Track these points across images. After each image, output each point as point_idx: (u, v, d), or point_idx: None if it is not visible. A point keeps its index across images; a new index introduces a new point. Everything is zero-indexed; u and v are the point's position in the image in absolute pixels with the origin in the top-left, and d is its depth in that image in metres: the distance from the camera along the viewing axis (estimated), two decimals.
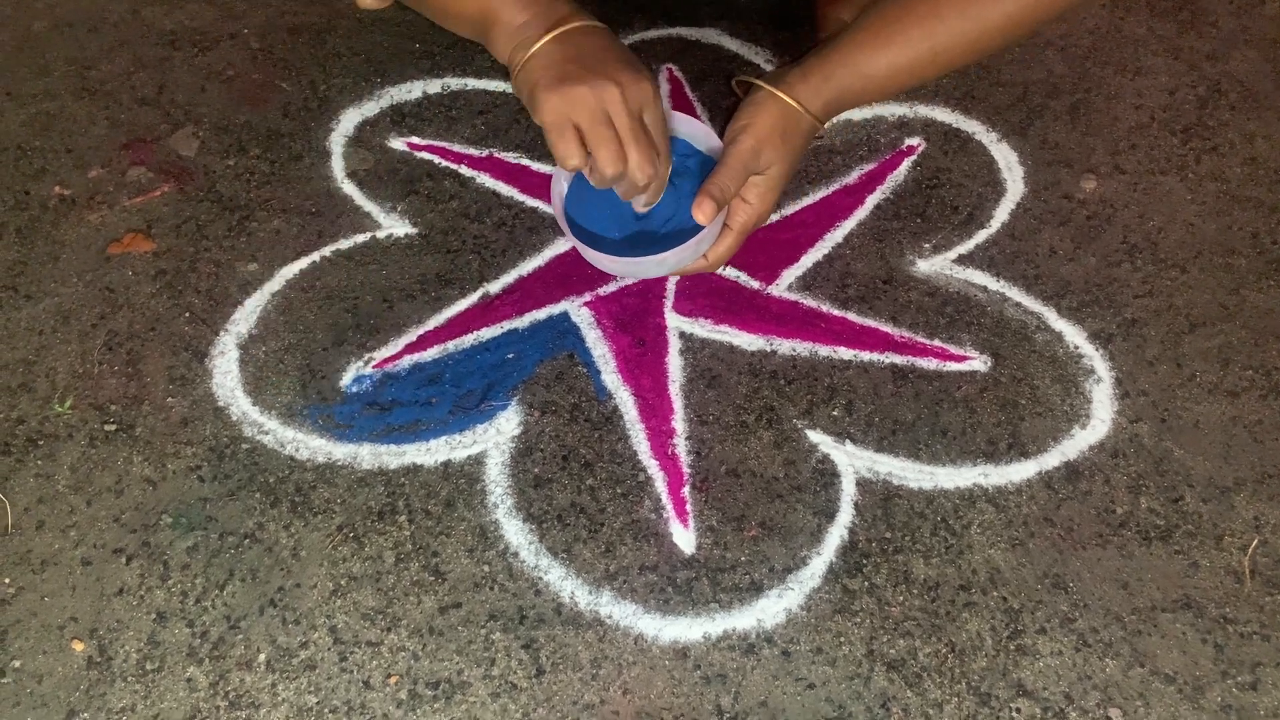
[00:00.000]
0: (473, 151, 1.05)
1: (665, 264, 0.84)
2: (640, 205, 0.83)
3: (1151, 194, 1.02)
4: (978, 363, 0.89)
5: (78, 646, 0.74)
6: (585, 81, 0.75)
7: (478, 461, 0.84)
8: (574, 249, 0.96)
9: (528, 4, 0.79)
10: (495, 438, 0.85)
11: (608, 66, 0.76)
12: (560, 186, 0.88)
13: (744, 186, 0.84)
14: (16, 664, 0.73)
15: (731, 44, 1.15)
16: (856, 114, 1.09)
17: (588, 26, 0.79)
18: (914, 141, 1.06)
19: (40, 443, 0.84)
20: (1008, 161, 1.05)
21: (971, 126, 1.08)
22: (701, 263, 0.87)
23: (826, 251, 0.98)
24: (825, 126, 0.86)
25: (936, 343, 0.91)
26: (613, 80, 0.75)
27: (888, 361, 0.89)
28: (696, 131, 0.88)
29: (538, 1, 0.79)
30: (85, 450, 0.84)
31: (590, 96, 0.75)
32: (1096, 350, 0.90)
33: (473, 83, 1.12)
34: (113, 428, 0.85)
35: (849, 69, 0.84)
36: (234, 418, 0.86)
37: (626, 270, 0.89)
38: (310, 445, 0.84)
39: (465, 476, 0.83)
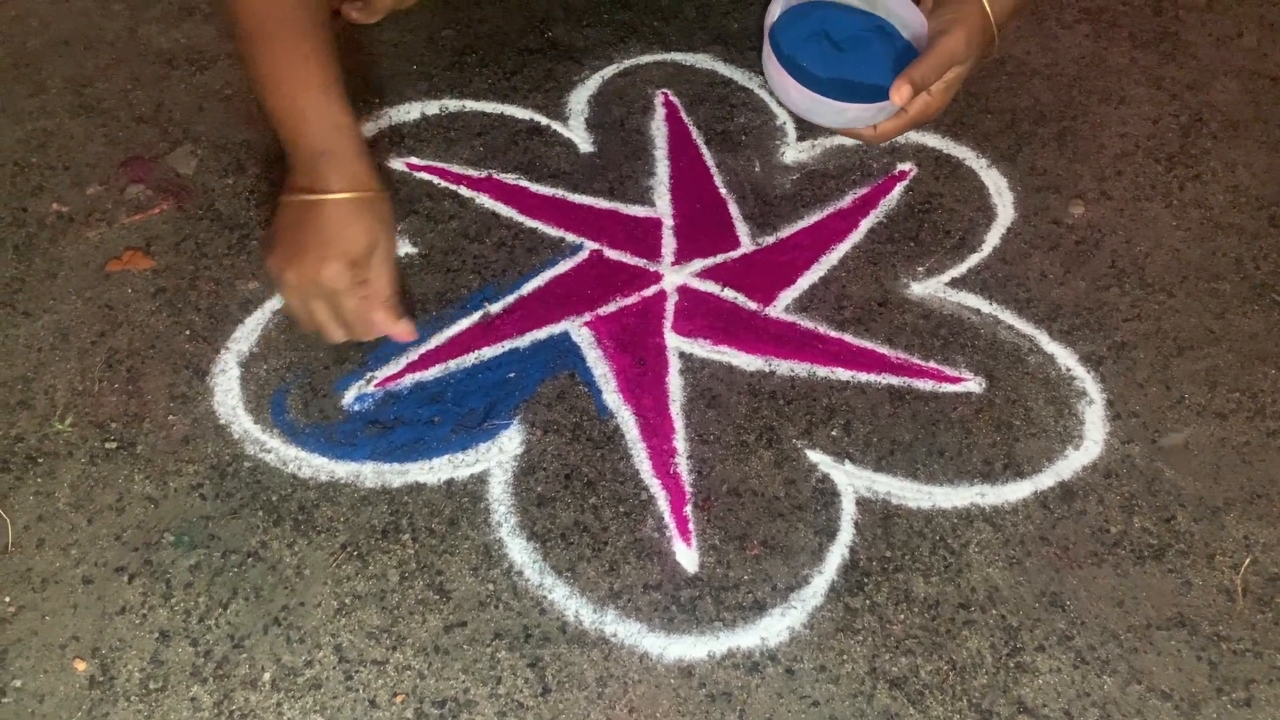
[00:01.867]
0: (471, 172, 1.06)
1: (844, 115, 0.93)
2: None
3: (1138, 220, 1.04)
4: (972, 384, 0.91)
5: (79, 666, 0.74)
6: (306, 265, 0.82)
7: (481, 480, 0.84)
8: (577, 266, 0.98)
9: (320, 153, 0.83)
10: (498, 456, 0.85)
11: (306, 248, 0.82)
12: (775, 10, 0.98)
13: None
14: (17, 684, 0.73)
15: (724, 69, 1.17)
16: (848, 139, 1.11)
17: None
18: (906, 167, 1.08)
19: (40, 460, 0.84)
20: (998, 187, 1.07)
21: (962, 152, 1.10)
22: (870, 131, 0.94)
23: (822, 274, 0.99)
24: (996, 47, 0.94)
25: (932, 364, 0.92)
26: (326, 268, 0.81)
27: (884, 382, 0.91)
28: (898, 7, 0.97)
29: (315, 156, 0.83)
30: (86, 468, 0.84)
31: (306, 280, 0.82)
32: (1088, 372, 0.92)
33: (471, 104, 1.13)
34: (113, 445, 0.85)
35: None
36: (236, 436, 0.86)
37: (807, 106, 0.95)
38: (313, 463, 0.85)
39: (468, 495, 0.83)
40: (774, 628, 0.77)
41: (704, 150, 1.09)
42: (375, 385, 0.89)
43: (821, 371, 0.91)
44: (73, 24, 1.20)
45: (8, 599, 0.77)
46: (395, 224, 0.86)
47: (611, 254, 1.00)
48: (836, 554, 0.81)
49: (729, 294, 0.97)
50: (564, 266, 0.99)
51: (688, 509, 0.83)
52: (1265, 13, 1.26)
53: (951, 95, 0.92)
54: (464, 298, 0.96)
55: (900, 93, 0.86)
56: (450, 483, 0.84)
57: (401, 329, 0.86)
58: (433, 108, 1.12)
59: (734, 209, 1.04)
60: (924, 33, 0.96)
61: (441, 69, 1.16)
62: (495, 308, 0.95)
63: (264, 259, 0.85)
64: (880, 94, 0.92)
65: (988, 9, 0.89)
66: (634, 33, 1.20)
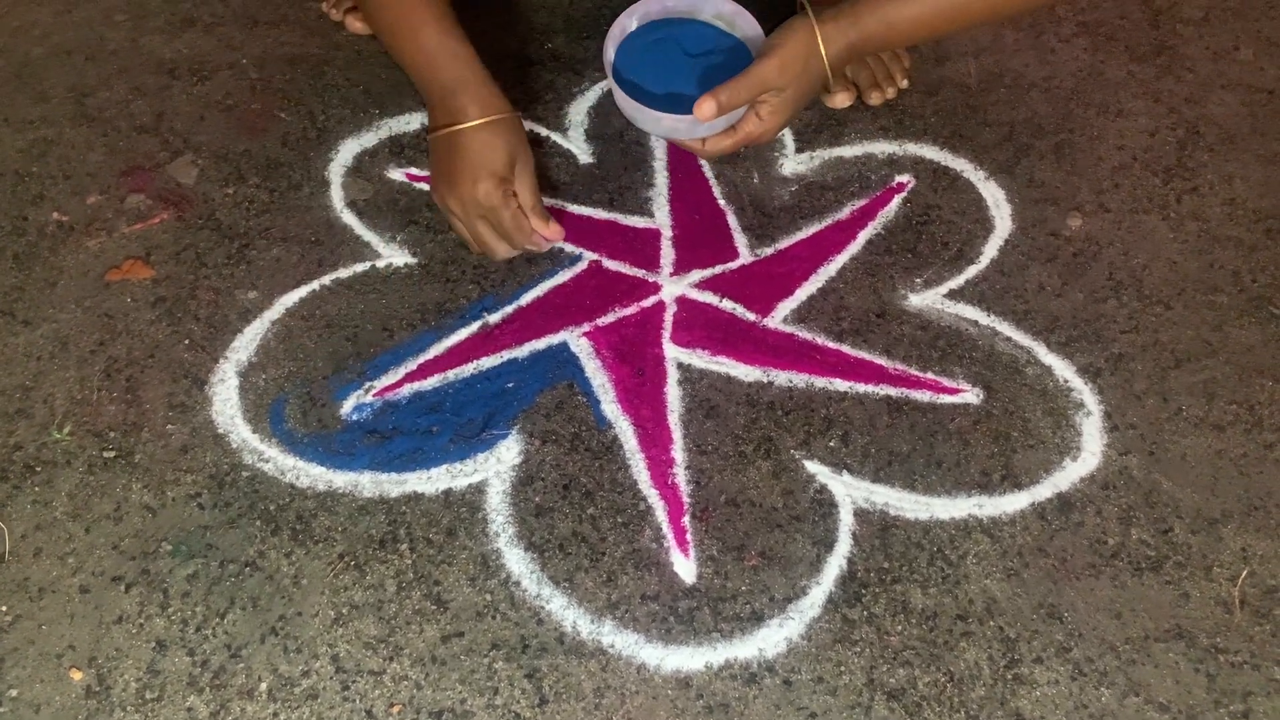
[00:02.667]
0: None
1: (661, 124, 0.92)
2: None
3: (1135, 232, 1.04)
4: (970, 395, 0.91)
5: (76, 675, 0.74)
6: (442, 188, 0.93)
7: (479, 490, 0.84)
8: (576, 277, 0.98)
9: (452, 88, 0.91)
10: (496, 466, 0.86)
11: (459, 170, 0.91)
12: (628, 22, 0.96)
13: (758, 102, 0.90)
14: (14, 693, 0.73)
15: None
16: (847, 151, 1.11)
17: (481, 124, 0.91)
18: (904, 179, 1.09)
19: (38, 469, 0.84)
20: (995, 199, 1.07)
21: (960, 164, 1.10)
22: (697, 145, 0.94)
23: (820, 285, 0.99)
24: (841, 99, 0.98)
25: (930, 375, 0.92)
26: (457, 187, 0.91)
27: (882, 393, 0.91)
28: (750, 30, 0.95)
29: (448, 91, 0.91)
30: (84, 477, 0.84)
31: (445, 203, 0.94)
32: (1085, 384, 0.92)
33: None
34: (112, 454, 0.85)
35: (875, 16, 0.90)
36: (234, 445, 0.86)
37: (630, 112, 0.94)
38: (311, 473, 0.85)
39: (466, 505, 0.83)
40: (772, 639, 0.77)
41: (703, 162, 1.09)
42: (374, 395, 0.89)
43: (819, 382, 0.91)
44: (75, 34, 1.20)
45: (4, 608, 0.76)
46: (527, 140, 0.94)
47: (610, 264, 1.00)
48: (834, 565, 0.81)
49: (727, 305, 0.97)
50: (563, 277, 0.99)
51: (686, 519, 0.83)
52: (1262, 27, 1.26)
53: (782, 118, 0.91)
54: (463, 308, 0.96)
55: (703, 110, 0.86)
56: (448, 493, 0.84)
57: (553, 230, 0.95)
58: None
59: (733, 220, 1.04)
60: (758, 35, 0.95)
61: None
62: (494, 318, 0.95)
63: (432, 195, 0.95)
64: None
65: (819, 38, 0.89)
66: None
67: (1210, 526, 0.83)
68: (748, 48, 0.95)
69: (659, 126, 0.93)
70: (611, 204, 1.05)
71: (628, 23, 0.96)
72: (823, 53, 0.89)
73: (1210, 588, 0.80)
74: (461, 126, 0.90)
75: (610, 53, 0.94)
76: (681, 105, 0.91)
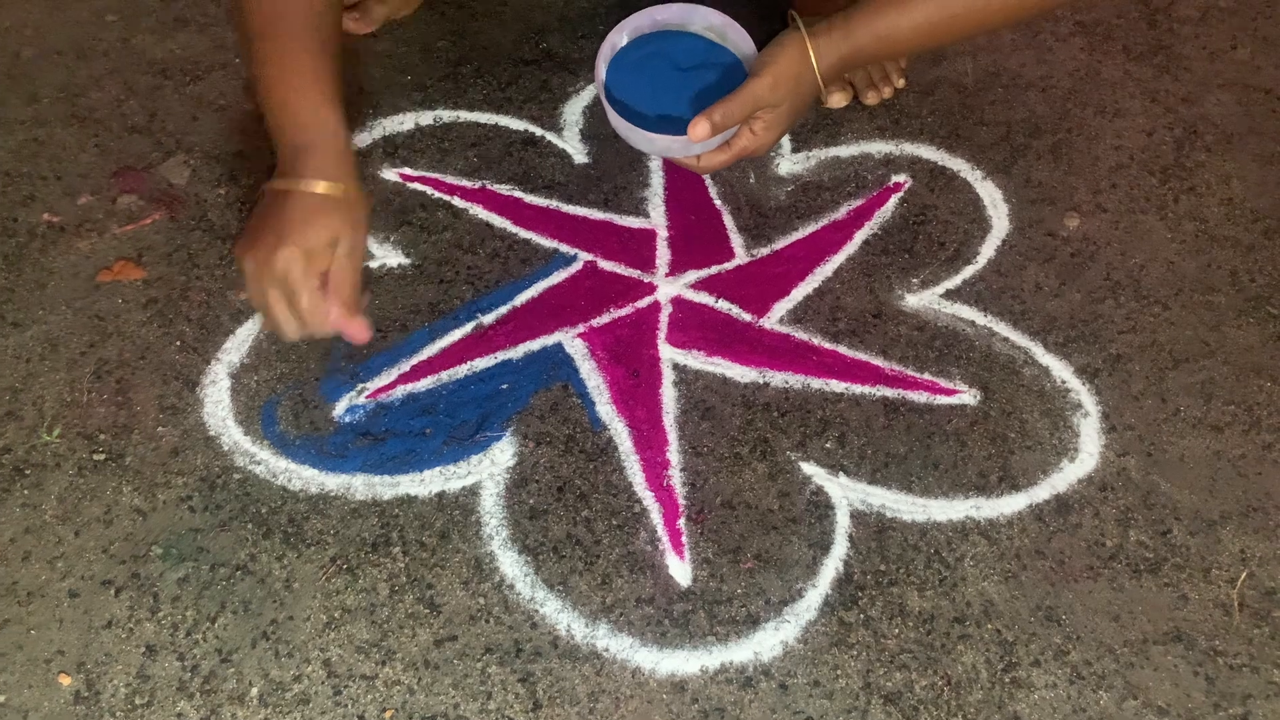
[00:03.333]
0: (465, 183, 1.06)
1: (654, 144, 0.90)
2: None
3: (1132, 232, 1.04)
4: (967, 396, 0.91)
5: (65, 680, 0.73)
6: (262, 250, 0.81)
7: (472, 493, 0.83)
8: (571, 277, 0.98)
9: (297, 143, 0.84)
10: (490, 469, 0.85)
11: (266, 234, 0.81)
12: (619, 38, 0.94)
13: (752, 118, 0.88)
14: (2, 698, 0.72)
15: None
16: (844, 151, 1.11)
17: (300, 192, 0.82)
18: (900, 179, 1.08)
19: (27, 472, 0.83)
20: (992, 199, 1.07)
21: (956, 164, 1.10)
22: (692, 162, 0.92)
23: (816, 285, 0.99)
24: (837, 99, 0.95)
25: (926, 376, 0.92)
26: (255, 250, 0.81)
27: (879, 394, 0.90)
28: (742, 42, 0.93)
29: (297, 151, 0.84)
30: (73, 480, 0.83)
31: (262, 266, 0.81)
32: (1083, 385, 0.92)
33: (465, 115, 1.12)
34: (102, 457, 0.84)
35: (867, 29, 0.89)
36: (225, 447, 0.85)
37: (623, 132, 0.92)
38: (303, 476, 0.84)
39: (460, 508, 0.83)
40: (767, 642, 0.76)
41: None
42: (367, 397, 0.89)
43: (816, 383, 0.91)
44: (66, 34, 1.19)
45: None
46: (367, 226, 0.85)
47: (606, 265, 0.99)
48: (830, 567, 0.80)
49: (723, 305, 0.97)
50: (558, 278, 0.98)
51: (681, 522, 0.82)
52: (1259, 26, 1.26)
53: (777, 133, 0.90)
54: (457, 308, 0.95)
55: (697, 130, 0.84)
56: (441, 495, 0.83)
57: (355, 327, 0.83)
58: (427, 118, 1.12)
59: (729, 220, 1.04)
60: (752, 52, 0.93)
61: (436, 80, 1.16)
62: (488, 319, 0.95)
63: (234, 251, 0.85)
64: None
65: (810, 53, 0.88)
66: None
67: (1209, 528, 0.83)
68: (739, 60, 0.94)
69: (653, 146, 0.92)
70: (607, 204, 1.05)
71: (618, 39, 0.94)
72: (815, 67, 0.88)
73: (1209, 590, 0.80)
74: (291, 186, 0.82)
75: (601, 71, 0.92)
76: (675, 123, 0.89)
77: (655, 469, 0.85)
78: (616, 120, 0.91)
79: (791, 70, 0.87)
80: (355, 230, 0.83)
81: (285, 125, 0.85)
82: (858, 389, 0.91)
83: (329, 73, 0.86)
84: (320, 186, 0.82)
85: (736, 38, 0.94)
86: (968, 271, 1.00)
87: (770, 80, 0.87)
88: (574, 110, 1.13)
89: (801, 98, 0.90)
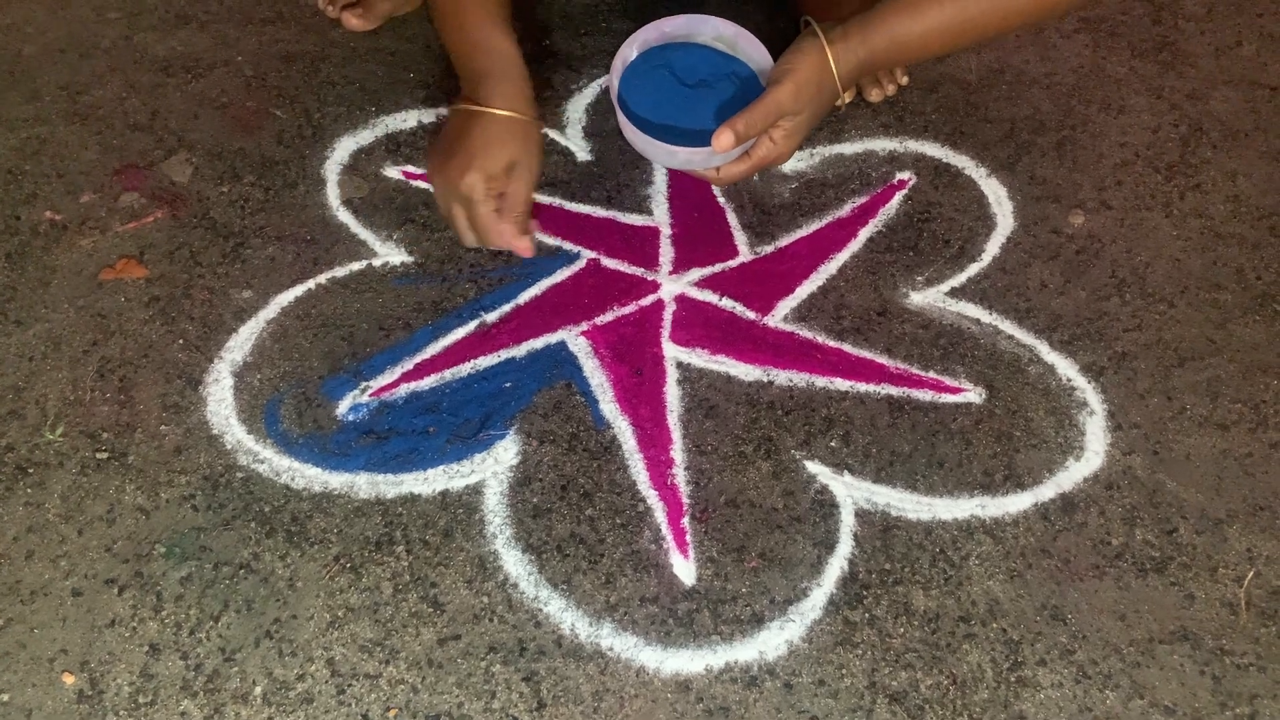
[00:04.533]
0: None
1: (675, 157, 0.89)
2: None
3: (1138, 229, 1.04)
4: (972, 394, 0.90)
5: (68, 679, 0.73)
6: (432, 167, 0.92)
7: (476, 491, 0.83)
8: (574, 275, 0.97)
9: (478, 70, 0.91)
10: (493, 467, 0.85)
11: (451, 158, 0.89)
12: (629, 52, 0.93)
13: (773, 126, 0.88)
14: (5, 697, 0.72)
15: None
16: (848, 148, 1.10)
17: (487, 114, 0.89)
18: (905, 176, 1.08)
19: (30, 470, 0.83)
20: (997, 196, 1.06)
21: (961, 161, 1.09)
22: (712, 174, 0.91)
23: (821, 283, 0.98)
24: (845, 97, 0.93)
25: (931, 374, 0.92)
26: (442, 172, 0.90)
27: (884, 393, 0.90)
28: (754, 51, 0.92)
29: (482, 76, 0.91)
30: (76, 478, 0.83)
31: (434, 183, 0.92)
32: (1088, 383, 0.91)
33: None
34: (104, 455, 0.84)
35: (883, 34, 0.89)
36: (228, 446, 0.85)
37: (641, 146, 0.91)
38: (306, 474, 0.84)
39: (463, 506, 0.82)
40: (772, 641, 0.76)
41: None
42: (370, 395, 0.88)
43: (820, 382, 0.91)
44: (68, 31, 1.19)
45: None
46: (541, 151, 0.92)
47: (609, 263, 0.99)
48: (835, 566, 0.80)
49: (727, 303, 0.96)
50: (561, 275, 0.98)
51: (685, 521, 0.82)
52: (1264, 23, 1.25)
53: (797, 141, 0.90)
54: (460, 306, 0.95)
55: (721, 141, 0.84)
56: (445, 494, 0.83)
57: (523, 244, 0.90)
58: (430, 116, 1.12)
59: (732, 218, 1.03)
60: (768, 65, 0.91)
61: (439, 77, 1.15)
62: (492, 317, 0.94)
63: (426, 159, 0.93)
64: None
65: (830, 59, 0.87)
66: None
67: (1215, 527, 0.83)
68: (751, 70, 0.93)
69: (674, 160, 0.91)
70: (610, 202, 1.04)
71: (628, 53, 0.93)
72: (835, 73, 0.88)
73: (1215, 589, 0.79)
74: (479, 109, 0.89)
75: (615, 87, 0.91)
76: (692, 136, 0.89)
77: (659, 467, 0.85)
78: (635, 135, 0.90)
79: (813, 77, 0.87)
80: (532, 154, 0.90)
81: (465, 52, 0.93)
82: (862, 387, 0.90)
83: (502, 13, 0.93)
84: (501, 112, 0.89)
85: (748, 47, 0.93)
86: (972, 269, 1.00)
87: (792, 88, 0.86)
88: (577, 108, 1.13)
89: (822, 105, 0.90)
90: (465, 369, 0.91)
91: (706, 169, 0.91)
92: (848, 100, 1.13)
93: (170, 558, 0.79)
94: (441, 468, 0.84)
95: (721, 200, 1.05)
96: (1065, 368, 0.92)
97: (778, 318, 0.95)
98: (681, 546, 0.81)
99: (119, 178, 1.04)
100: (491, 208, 0.89)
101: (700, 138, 0.86)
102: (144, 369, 0.90)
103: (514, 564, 0.79)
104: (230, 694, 0.72)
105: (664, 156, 0.91)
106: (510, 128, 0.89)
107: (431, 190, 0.93)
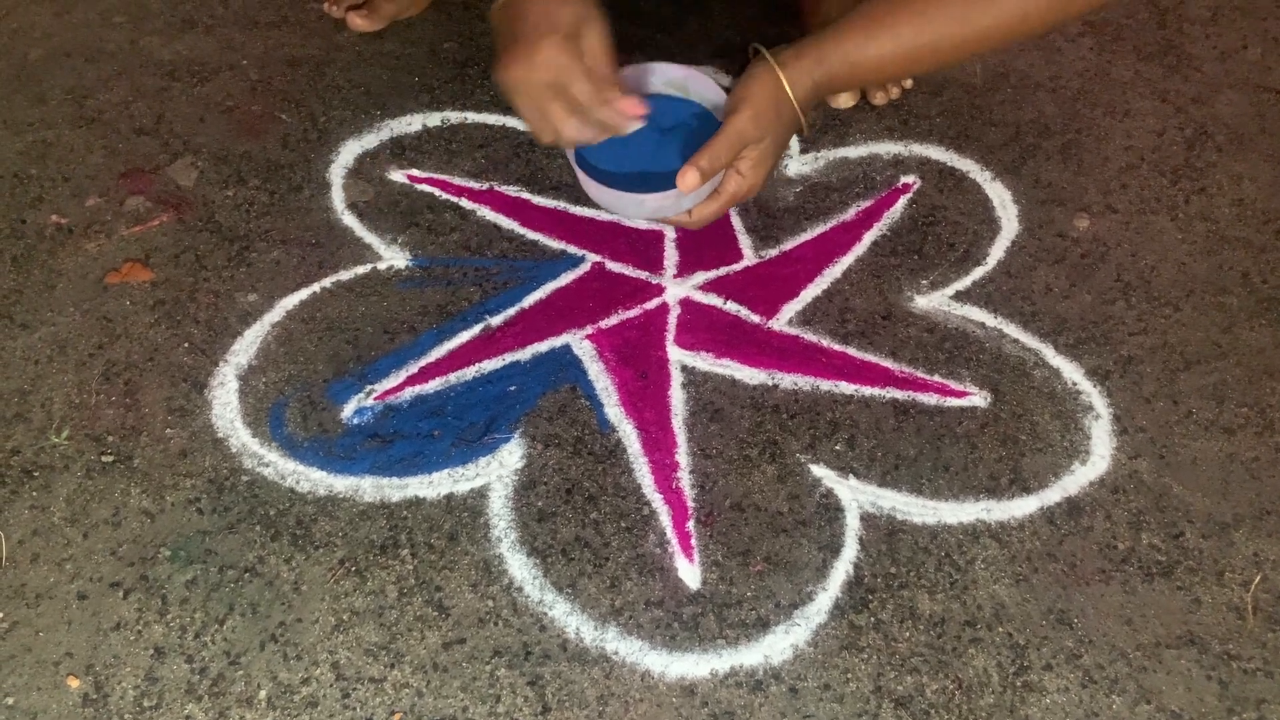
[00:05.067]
0: (473, 184, 1.06)
1: (644, 206, 0.87)
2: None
3: (1143, 233, 1.03)
4: (978, 398, 0.90)
5: (73, 683, 0.73)
6: (506, 62, 0.81)
7: (481, 495, 0.83)
8: (578, 279, 0.97)
9: None
10: (498, 470, 0.85)
11: (522, 39, 0.80)
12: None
13: (738, 158, 0.86)
14: (9, 701, 0.72)
15: (726, 82, 1.16)
16: (852, 151, 1.10)
17: None
18: (909, 179, 1.08)
19: (36, 474, 0.83)
20: (1002, 200, 1.06)
21: (966, 165, 1.09)
22: (685, 218, 0.90)
23: (825, 287, 0.98)
24: (806, 124, 0.89)
25: (936, 378, 0.91)
26: (521, 55, 0.80)
27: (889, 396, 0.90)
28: (706, 89, 0.91)
29: None
30: (82, 482, 0.83)
31: (511, 78, 0.81)
32: (1094, 387, 0.91)
33: (472, 116, 1.12)
34: (110, 459, 0.84)
35: (840, 55, 0.87)
36: (234, 449, 0.85)
37: (609, 201, 0.90)
38: (311, 478, 0.84)
39: (468, 510, 0.82)
40: (777, 645, 0.76)
41: None
42: (375, 399, 0.88)
43: (825, 385, 0.91)
44: (74, 36, 1.20)
45: (1, 615, 0.76)
46: (599, 6, 0.83)
47: (613, 266, 0.99)
48: (841, 570, 0.80)
49: (732, 307, 0.96)
50: (565, 279, 0.98)
51: (690, 524, 0.82)
52: (1270, 26, 1.25)
53: (765, 170, 0.88)
54: (465, 310, 0.95)
55: (686, 180, 0.82)
56: (450, 497, 0.83)
57: (629, 103, 0.83)
58: (434, 120, 1.12)
59: (736, 221, 1.03)
60: (722, 100, 0.90)
61: (443, 81, 1.16)
62: (496, 320, 0.94)
63: (496, 78, 0.83)
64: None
65: (784, 82, 0.85)
66: (637, 46, 1.20)
67: (1222, 531, 0.82)
68: (707, 109, 0.91)
69: (643, 209, 0.89)
70: None
71: None
72: (791, 96, 0.86)
73: (1222, 593, 0.79)
74: None
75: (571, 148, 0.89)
76: (657, 182, 0.86)
77: (664, 471, 0.85)
78: (600, 191, 0.88)
79: (770, 102, 0.85)
80: (592, 10, 0.82)
81: None
82: (867, 391, 0.90)
83: None
84: None
85: (699, 87, 0.91)
86: (977, 273, 1.00)
87: (750, 114, 0.84)
88: None
89: (783, 129, 0.88)
90: (470, 372, 0.91)
91: (678, 214, 0.89)
92: (851, 104, 1.13)
93: (175, 561, 0.79)
94: (446, 471, 0.84)
95: None
96: (1071, 371, 0.92)
97: (782, 321, 0.95)
98: (686, 550, 0.80)
99: (124, 182, 1.04)
100: (584, 74, 0.81)
101: (667, 182, 0.84)
102: (149, 372, 0.90)
103: (519, 568, 0.79)
104: (235, 697, 0.72)
105: (633, 207, 0.89)
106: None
107: (513, 97, 0.83)
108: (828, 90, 0.89)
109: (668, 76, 0.93)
